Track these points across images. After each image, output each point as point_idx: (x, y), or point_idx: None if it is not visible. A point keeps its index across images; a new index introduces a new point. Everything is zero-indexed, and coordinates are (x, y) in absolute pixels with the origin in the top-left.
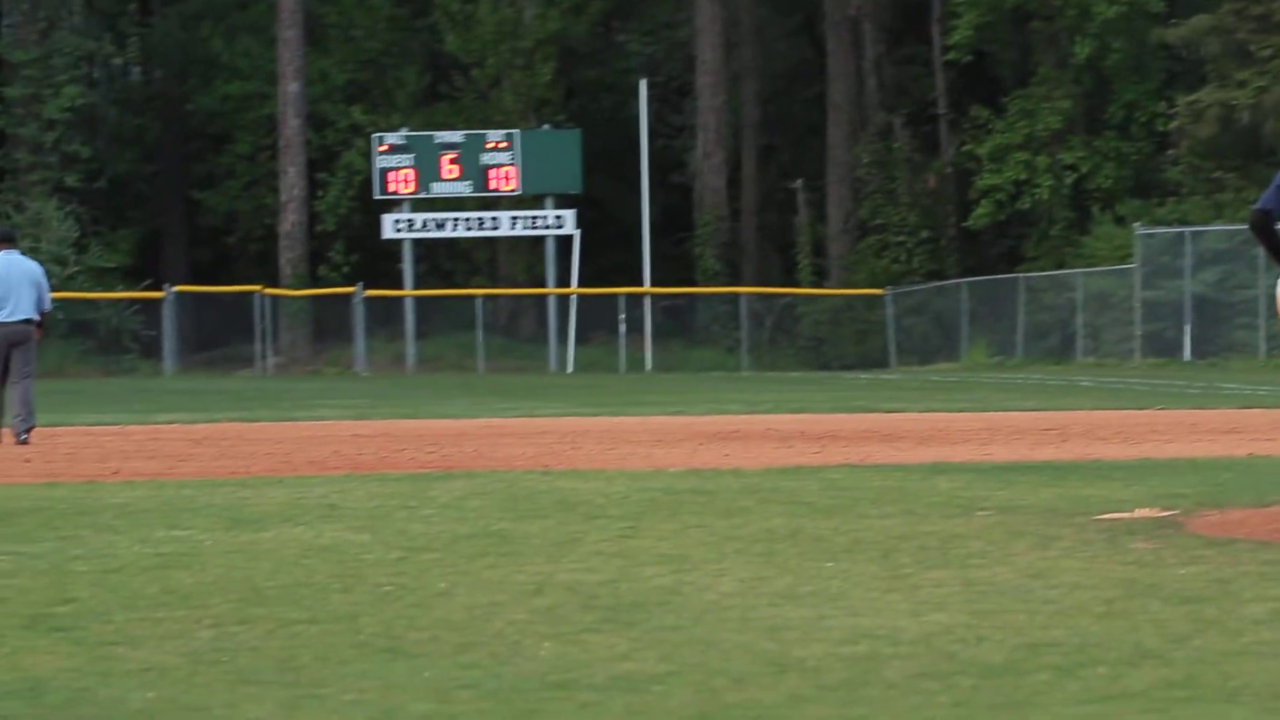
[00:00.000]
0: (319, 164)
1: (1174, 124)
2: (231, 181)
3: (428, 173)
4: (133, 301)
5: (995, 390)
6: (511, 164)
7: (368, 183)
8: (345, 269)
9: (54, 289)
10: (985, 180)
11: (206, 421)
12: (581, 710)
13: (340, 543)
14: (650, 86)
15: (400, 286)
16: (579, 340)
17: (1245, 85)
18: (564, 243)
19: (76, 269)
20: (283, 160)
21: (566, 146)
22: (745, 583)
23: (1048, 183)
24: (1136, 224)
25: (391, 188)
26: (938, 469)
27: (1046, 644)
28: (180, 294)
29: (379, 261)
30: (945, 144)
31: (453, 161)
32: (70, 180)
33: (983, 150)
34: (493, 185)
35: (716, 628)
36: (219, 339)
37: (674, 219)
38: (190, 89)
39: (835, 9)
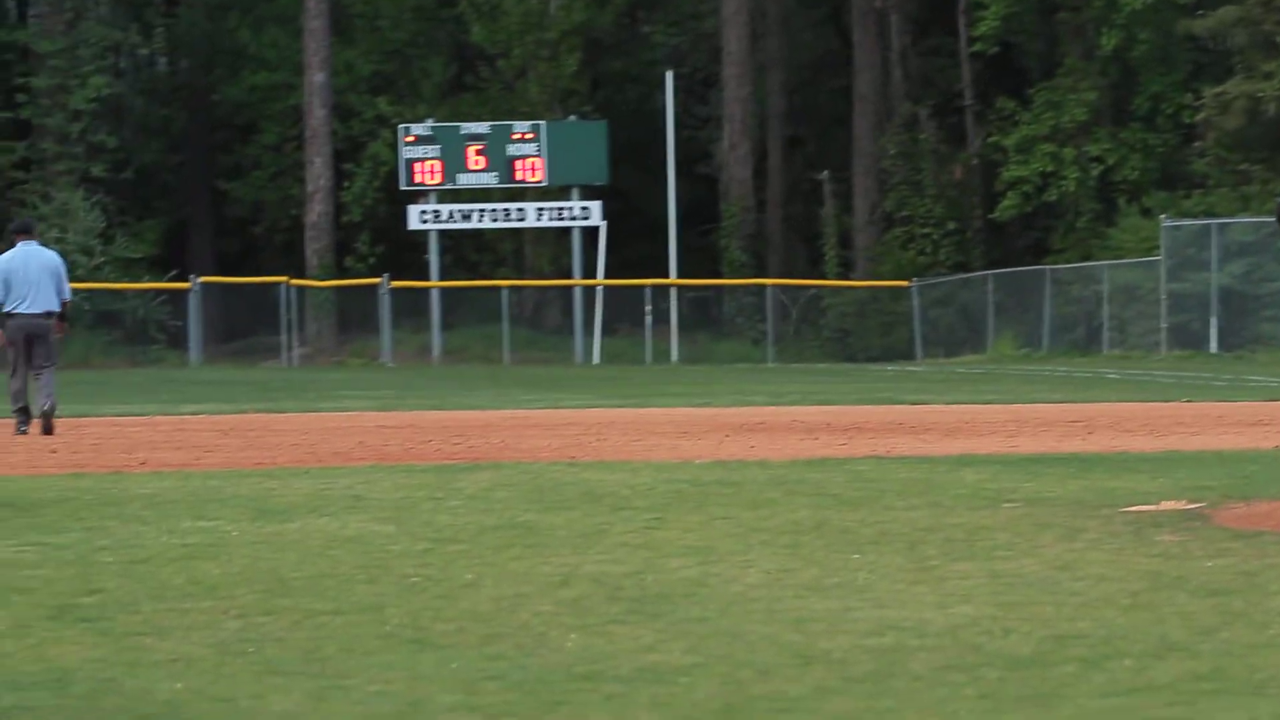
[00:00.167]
0: (345, 155)
1: (1200, 116)
2: (258, 172)
3: (453, 164)
4: (159, 292)
5: (1021, 382)
6: (537, 155)
7: (394, 173)
8: (371, 260)
9: (80, 279)
10: (1011, 172)
11: (232, 412)
12: (607, 701)
13: (366, 534)
14: (676, 77)
15: (426, 278)
16: (605, 332)
17: (1272, 77)
18: (590, 234)
19: (103, 259)
20: (309, 151)
21: (592, 138)
22: (771, 574)
23: (1074, 174)
24: (1163, 216)
25: (417, 179)
26: (964, 461)
27: (1073, 636)
28: (206, 284)
29: (405, 253)
30: (971, 135)
31: (479, 152)
32: (96, 171)
33: (1009, 142)
34: (519, 176)
35: (742, 619)
36: (245, 330)
37: (700, 210)
38: (216, 79)
39: None
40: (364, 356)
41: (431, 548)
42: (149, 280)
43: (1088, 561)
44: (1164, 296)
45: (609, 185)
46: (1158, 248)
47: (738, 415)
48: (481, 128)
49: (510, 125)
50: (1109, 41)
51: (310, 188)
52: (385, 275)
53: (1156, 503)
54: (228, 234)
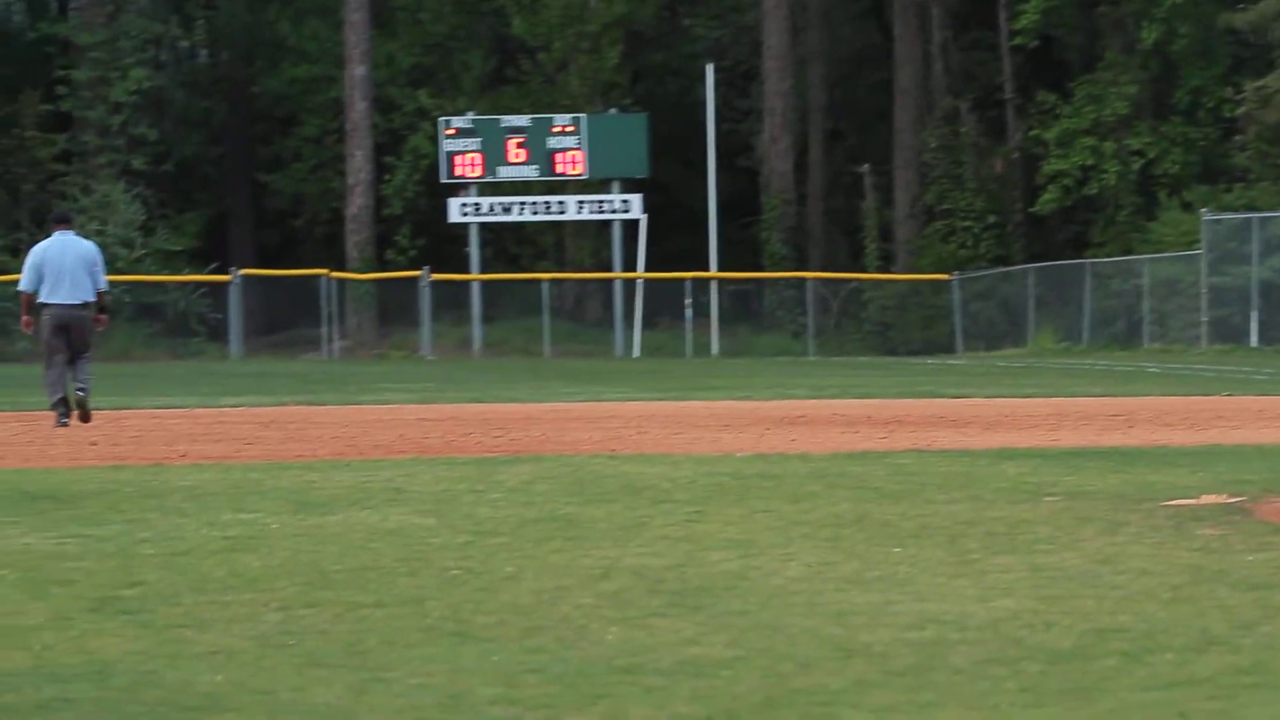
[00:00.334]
0: (386, 147)
1: (1241, 109)
2: (298, 164)
3: (494, 156)
4: (199, 285)
5: (1062, 376)
6: (578, 148)
7: (434, 166)
8: (411, 253)
9: (121, 272)
10: (1052, 165)
11: (273, 405)
12: (648, 694)
13: (407, 526)
14: (717, 70)
15: (466, 270)
16: (645, 325)
17: None
18: (630, 227)
19: (143, 252)
20: (349, 144)
21: (633, 130)
22: (812, 568)
23: (1114, 168)
24: (1203, 210)
25: (458, 171)
26: (1005, 454)
27: (1114, 630)
28: (247, 277)
29: (445, 245)
30: (1012, 129)
31: (519, 145)
32: (137, 163)
33: (1049, 135)
34: (559, 169)
35: (783, 613)
36: (285, 322)
37: (740, 203)
38: (257, 72)
39: None
40: (404, 349)
41: (472, 540)
42: (189, 273)
43: (1128, 555)
44: (1204, 290)
45: (649, 178)
46: (1198, 241)
47: (778, 408)
48: (522, 120)
49: (551, 118)
50: (1149, 35)
51: (351, 180)
52: (426, 268)
53: (1197, 497)
54: (268, 226)
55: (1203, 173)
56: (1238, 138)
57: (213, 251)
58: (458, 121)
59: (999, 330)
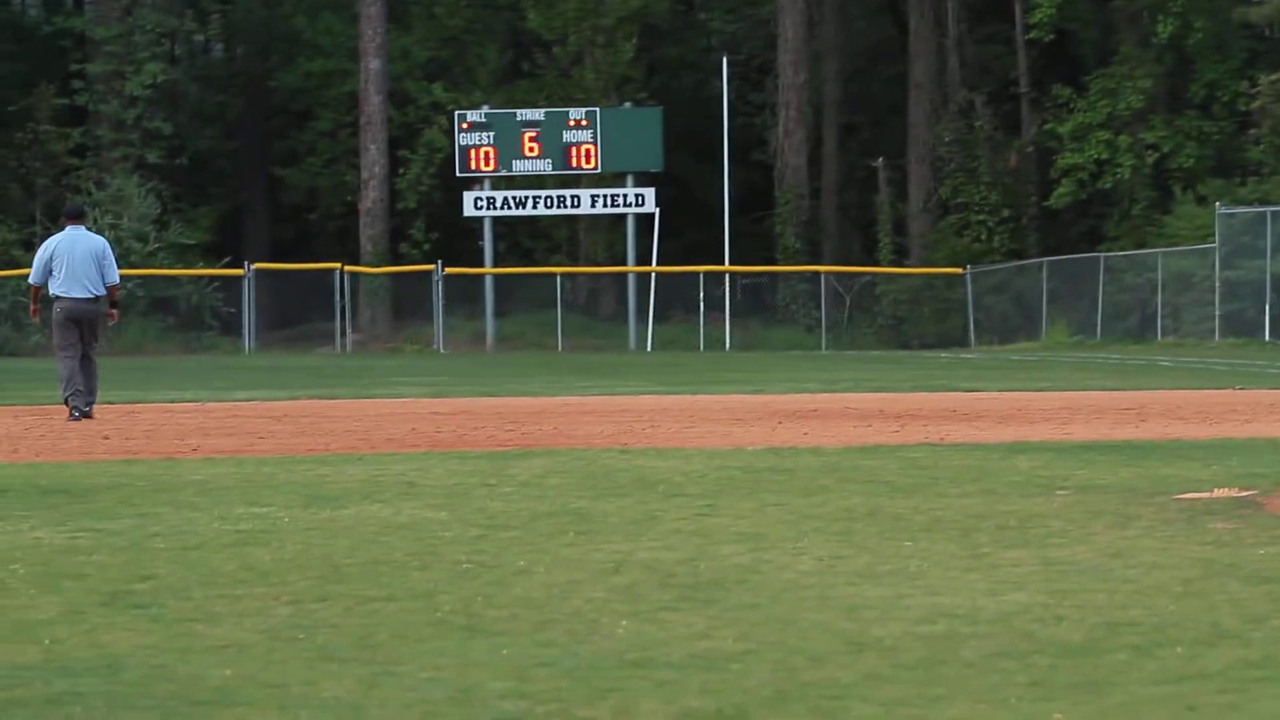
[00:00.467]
0: (400, 141)
1: (1256, 103)
2: (313, 158)
3: (509, 150)
4: (213, 278)
5: (1075, 370)
6: (592, 142)
7: (449, 160)
8: (425, 246)
9: (135, 266)
10: (1066, 159)
11: (286, 399)
12: (659, 688)
13: (419, 520)
14: (731, 64)
15: (480, 264)
16: (658, 319)
17: None
18: (644, 221)
19: (157, 246)
20: (364, 137)
21: (647, 124)
22: (823, 561)
23: (1129, 162)
24: (1218, 204)
25: (472, 165)
26: (1017, 448)
27: (1125, 624)
28: (260, 271)
29: (459, 239)
30: (1026, 123)
31: (533, 139)
32: (152, 157)
33: (1064, 129)
34: (573, 163)
35: (794, 606)
36: (299, 316)
37: (754, 197)
38: (272, 66)
39: None
40: (418, 343)
41: (484, 534)
42: (203, 267)
43: (1140, 549)
44: (1218, 284)
45: (664, 172)
46: (1212, 235)
47: (791, 402)
48: (537, 114)
49: (565, 112)
50: (1164, 29)
51: (365, 174)
52: (439, 262)
53: (1209, 490)
54: (282, 220)
55: (1217, 166)
56: (1252, 131)
57: (226, 245)
58: (472, 115)
59: (1012, 324)
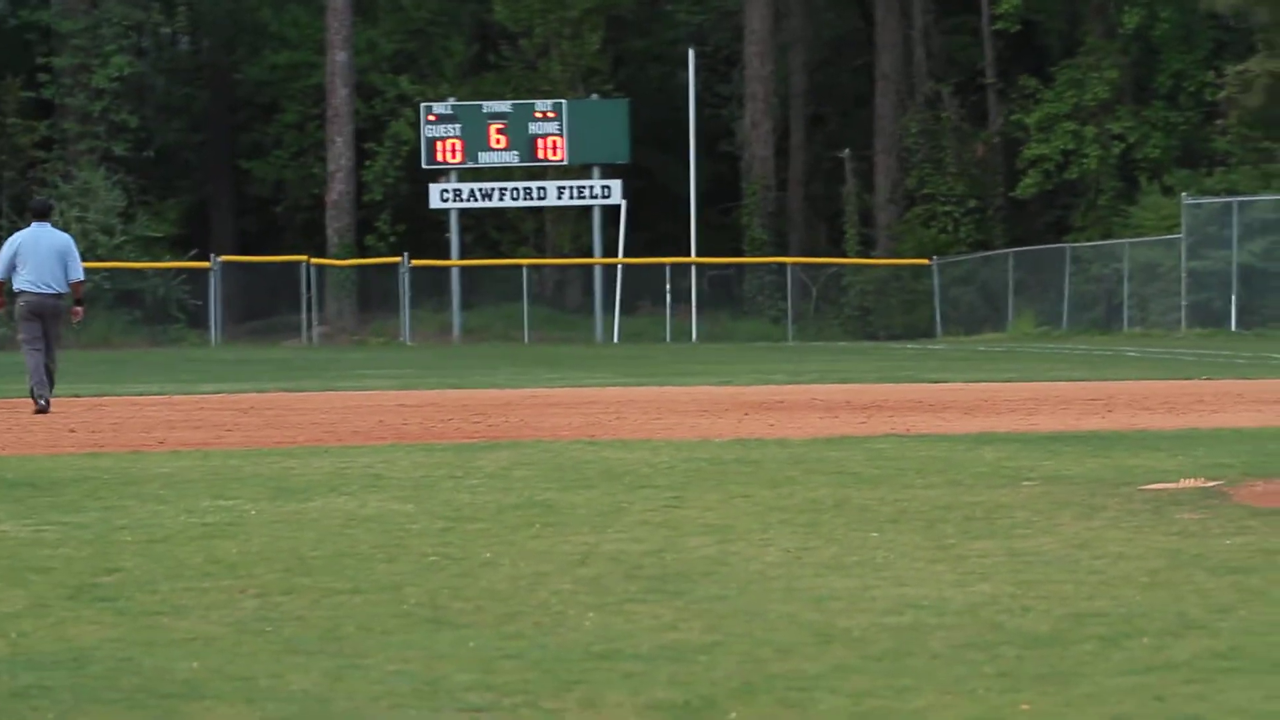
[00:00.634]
0: (366, 134)
1: (1222, 94)
2: (279, 151)
3: (475, 142)
4: (179, 271)
5: (1041, 360)
6: (559, 134)
7: (415, 152)
8: (392, 239)
9: (101, 259)
10: (1033, 150)
11: (252, 391)
12: (626, 680)
13: (385, 513)
14: (698, 56)
15: (446, 256)
16: (625, 310)
17: None
18: (611, 212)
19: (124, 238)
20: (330, 130)
21: (614, 116)
22: (790, 553)
23: (1095, 152)
24: (1184, 194)
25: (439, 157)
26: (983, 439)
27: (1091, 614)
28: (227, 264)
29: (425, 231)
30: (993, 113)
31: (500, 131)
32: (118, 150)
33: (1030, 120)
34: (540, 155)
35: (761, 598)
36: (265, 309)
37: (721, 189)
38: (238, 58)
39: None
40: (384, 335)
41: (450, 526)
42: (170, 259)
43: (1106, 540)
44: (1184, 274)
45: (630, 164)
46: (1178, 225)
47: (757, 394)
48: (503, 106)
49: (532, 104)
50: (1130, 20)
51: (331, 167)
52: (405, 254)
53: (1176, 481)
54: (249, 213)
55: (1183, 157)
56: (1219, 122)
57: (193, 238)
58: (439, 107)
59: (979, 315)
